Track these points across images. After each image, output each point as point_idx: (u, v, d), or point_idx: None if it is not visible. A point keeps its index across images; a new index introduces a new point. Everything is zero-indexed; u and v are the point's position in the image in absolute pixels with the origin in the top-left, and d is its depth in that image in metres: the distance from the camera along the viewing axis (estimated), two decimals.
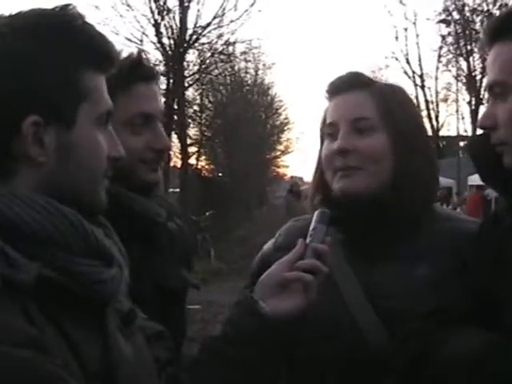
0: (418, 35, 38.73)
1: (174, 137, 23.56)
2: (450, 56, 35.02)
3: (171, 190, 23.04)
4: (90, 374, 1.21)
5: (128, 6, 19.86)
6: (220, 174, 32.79)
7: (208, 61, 23.05)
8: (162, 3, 20.05)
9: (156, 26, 20.59)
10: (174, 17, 20.83)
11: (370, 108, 1.88)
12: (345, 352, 1.77)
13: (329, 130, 1.92)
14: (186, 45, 20.97)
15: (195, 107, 29.03)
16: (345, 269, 1.84)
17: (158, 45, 20.95)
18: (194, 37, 21.20)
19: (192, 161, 29.56)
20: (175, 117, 21.77)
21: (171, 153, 22.54)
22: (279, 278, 1.57)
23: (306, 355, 1.81)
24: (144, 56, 2.03)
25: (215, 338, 1.56)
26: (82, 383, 1.17)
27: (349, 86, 1.91)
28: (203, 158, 33.25)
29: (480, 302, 1.61)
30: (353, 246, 1.85)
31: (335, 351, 1.78)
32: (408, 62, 38.61)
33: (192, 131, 29.26)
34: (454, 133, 37.84)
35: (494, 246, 1.62)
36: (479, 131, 1.71)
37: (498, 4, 31.33)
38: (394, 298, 1.78)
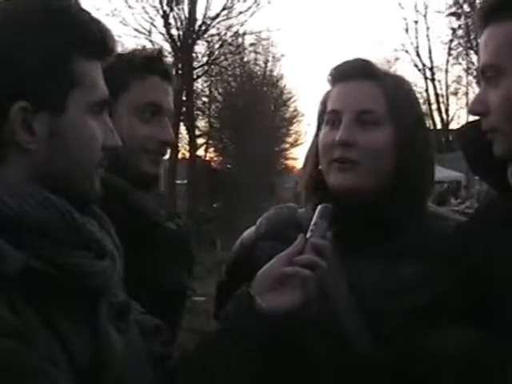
0: (428, 28, 38.58)
1: (183, 128, 23.58)
2: (461, 49, 34.82)
3: (179, 181, 23.06)
4: (79, 365, 1.19)
5: None
6: (229, 166, 32.77)
7: (217, 52, 23.08)
8: None
9: (165, 16, 20.62)
10: (182, 8, 20.87)
11: (378, 101, 1.78)
12: (330, 352, 1.71)
13: (330, 117, 1.83)
14: (194, 36, 21.01)
15: (204, 99, 29.03)
16: (332, 264, 1.77)
17: (167, 36, 21.00)
18: (203, 28, 21.25)
19: (200, 152, 29.63)
20: (184, 108, 21.74)
21: (179, 144, 22.58)
22: (277, 272, 1.53)
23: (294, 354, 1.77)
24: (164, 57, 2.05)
25: (212, 333, 1.53)
26: (68, 375, 1.16)
27: (357, 73, 1.81)
28: (212, 149, 33.29)
29: (470, 297, 1.56)
30: (342, 238, 1.77)
31: (319, 351, 1.72)
32: (418, 54, 38.46)
33: (201, 123, 29.31)
34: None
35: (485, 240, 1.58)
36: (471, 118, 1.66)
37: None
38: (379, 299, 1.71)
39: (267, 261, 1.57)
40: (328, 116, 1.83)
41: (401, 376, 1.60)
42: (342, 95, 1.82)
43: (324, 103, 1.87)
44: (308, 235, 1.58)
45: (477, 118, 1.58)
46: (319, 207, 1.64)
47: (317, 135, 1.88)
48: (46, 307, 1.17)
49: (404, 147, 1.78)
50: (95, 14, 1.31)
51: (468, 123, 1.68)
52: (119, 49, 1.98)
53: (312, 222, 1.61)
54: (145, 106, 1.94)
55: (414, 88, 1.97)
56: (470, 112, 1.57)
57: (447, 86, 39.42)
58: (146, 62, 1.95)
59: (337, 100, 1.82)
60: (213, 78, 27.32)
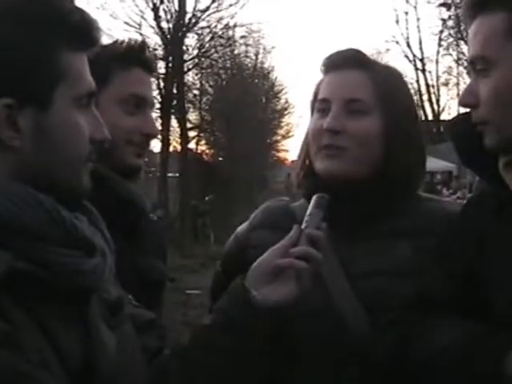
0: (418, 19, 38.69)
1: (174, 121, 23.52)
2: (451, 40, 34.76)
3: (170, 174, 23.00)
4: (71, 366, 1.18)
5: None
6: (220, 159, 32.72)
7: (207, 45, 23.00)
8: None
9: (155, 9, 20.55)
10: (172, 0, 20.76)
11: (367, 90, 1.82)
12: (324, 338, 1.73)
13: (320, 105, 1.86)
14: (184, 29, 20.94)
15: (195, 91, 28.96)
16: (326, 248, 1.78)
17: (157, 29, 20.91)
18: (193, 20, 21.18)
19: (192, 145, 29.56)
20: (174, 101, 21.68)
21: (170, 137, 22.54)
22: (272, 264, 1.51)
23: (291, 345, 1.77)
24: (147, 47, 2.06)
25: (205, 327, 1.51)
26: (60, 376, 1.14)
27: (348, 63, 1.85)
28: (203, 142, 33.21)
29: (464, 290, 1.56)
30: (333, 223, 1.76)
31: (313, 336, 1.74)
32: (409, 45, 38.37)
33: (192, 115, 29.22)
34: None
35: (477, 231, 1.57)
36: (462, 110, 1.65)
37: None
38: (374, 278, 1.74)
39: (261, 250, 1.56)
40: (318, 104, 1.86)
41: (394, 368, 1.60)
42: (332, 84, 1.85)
43: (316, 92, 1.90)
44: (303, 226, 1.57)
45: (468, 109, 1.58)
46: (314, 197, 1.62)
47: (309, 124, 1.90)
48: (36, 308, 1.15)
49: (393, 135, 1.80)
50: (85, 8, 1.29)
51: (459, 115, 1.68)
52: (110, 42, 1.99)
53: (307, 213, 1.60)
54: (129, 98, 1.94)
55: (405, 79, 1.99)
56: (461, 104, 1.57)
57: (438, 77, 39.38)
58: (129, 54, 1.95)
59: (327, 89, 1.86)
60: (203, 71, 27.23)
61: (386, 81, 1.83)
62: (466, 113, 1.59)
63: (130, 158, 1.95)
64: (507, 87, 1.46)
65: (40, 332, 1.15)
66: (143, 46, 2.01)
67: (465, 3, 1.55)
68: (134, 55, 1.95)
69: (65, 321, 1.20)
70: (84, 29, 1.27)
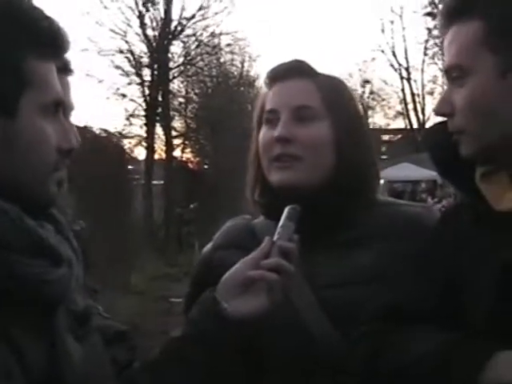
0: (404, 28, 38.85)
1: (159, 129, 23.52)
2: (436, 49, 35.03)
3: (155, 182, 22.97)
4: (35, 377, 1.16)
5: None
6: (206, 167, 32.68)
7: (193, 52, 23.05)
8: None
9: (140, 17, 20.57)
10: (158, 8, 20.79)
11: (314, 97, 1.81)
12: (291, 350, 1.70)
13: (268, 117, 1.84)
14: (170, 36, 20.98)
15: (180, 99, 28.95)
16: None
17: (143, 36, 20.92)
18: (179, 28, 21.21)
19: (177, 153, 29.53)
20: (159, 109, 21.69)
21: (155, 145, 22.54)
22: (243, 276, 1.50)
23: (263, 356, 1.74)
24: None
25: (176, 339, 1.49)
26: None
27: (292, 73, 1.84)
28: (189, 150, 33.16)
29: (440, 299, 1.54)
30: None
31: (281, 349, 1.71)
32: (394, 54, 38.72)
33: (177, 123, 29.20)
34: None
35: (455, 241, 1.55)
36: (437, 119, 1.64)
37: None
38: (336, 289, 1.72)
39: (224, 270, 1.54)
40: (266, 116, 1.85)
41: (372, 379, 1.57)
42: (279, 94, 1.84)
43: (262, 106, 1.88)
44: (275, 238, 1.55)
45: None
46: (286, 209, 1.60)
47: (257, 141, 1.87)
48: (1, 318, 1.13)
49: (344, 140, 1.80)
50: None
51: (435, 124, 1.66)
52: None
53: (279, 224, 1.58)
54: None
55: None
56: (436, 113, 1.55)
57: (423, 86, 39.71)
58: None
59: (273, 99, 1.84)
60: (189, 79, 27.24)
61: (331, 87, 1.84)
62: (441, 122, 1.58)
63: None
64: (482, 96, 1.45)
65: (4, 342, 1.13)
66: None
67: (441, 11, 1.54)
68: None
69: (30, 331, 1.18)
70: (52, 36, 1.26)
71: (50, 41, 1.25)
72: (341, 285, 1.72)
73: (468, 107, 1.47)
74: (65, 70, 1.93)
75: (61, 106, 1.29)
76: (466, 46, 1.46)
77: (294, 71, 1.84)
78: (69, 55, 1.93)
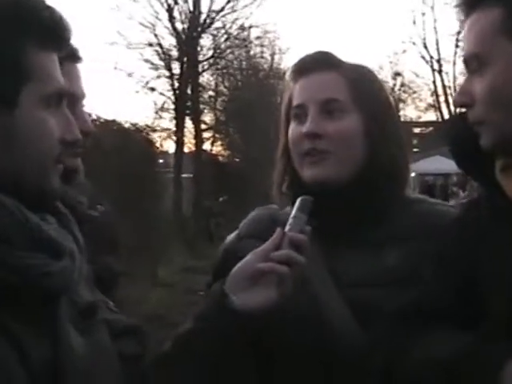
0: (435, 20, 38.46)
1: (189, 122, 23.60)
2: None
3: (184, 175, 23.05)
4: (36, 370, 1.15)
5: None
6: (237, 160, 32.73)
7: (223, 45, 23.06)
8: None
9: (169, 10, 20.60)
10: (187, 1, 20.82)
11: (341, 89, 1.77)
12: (312, 346, 1.66)
13: (296, 112, 1.80)
14: (199, 29, 21.00)
15: (210, 92, 29.01)
16: (313, 256, 1.72)
17: (172, 29, 20.97)
18: (208, 21, 21.22)
19: (207, 146, 29.62)
20: (189, 102, 21.76)
21: (185, 138, 22.63)
22: (252, 269, 1.47)
23: (275, 348, 1.71)
24: None
25: (186, 332, 1.47)
26: (23, 382, 1.12)
27: (317, 65, 1.80)
28: (218, 143, 33.24)
29: (460, 299, 1.50)
30: (321, 231, 1.70)
31: (302, 344, 1.67)
32: (425, 46, 38.38)
33: (207, 117, 29.28)
34: None
35: (474, 238, 1.51)
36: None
37: None
38: (361, 289, 1.68)
39: None
40: (294, 111, 1.81)
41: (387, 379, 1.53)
42: (305, 89, 1.80)
43: (289, 101, 1.84)
44: (286, 229, 1.52)
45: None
46: (298, 199, 1.58)
47: (286, 133, 1.84)
48: (1, 313, 1.13)
49: (374, 133, 1.76)
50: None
51: (455, 116, 1.62)
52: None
53: (291, 216, 1.55)
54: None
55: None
56: (455, 104, 1.51)
57: (455, 78, 39.25)
58: None
59: (300, 94, 1.80)
60: (219, 72, 27.27)
61: (358, 78, 1.79)
62: (462, 113, 1.53)
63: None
64: (503, 85, 1.40)
65: (5, 337, 1.12)
66: None
67: (458, 1, 1.49)
68: None
69: (31, 325, 1.18)
70: (53, 27, 1.24)
71: (50, 31, 1.23)
72: (363, 285, 1.69)
73: (488, 97, 1.42)
74: (73, 57, 1.91)
75: (64, 97, 1.28)
76: (485, 34, 1.42)
77: (319, 63, 1.80)
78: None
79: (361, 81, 1.79)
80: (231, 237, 1.95)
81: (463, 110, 1.52)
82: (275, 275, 1.45)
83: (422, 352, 1.46)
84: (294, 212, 1.55)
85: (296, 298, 1.54)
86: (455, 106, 1.52)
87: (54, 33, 1.24)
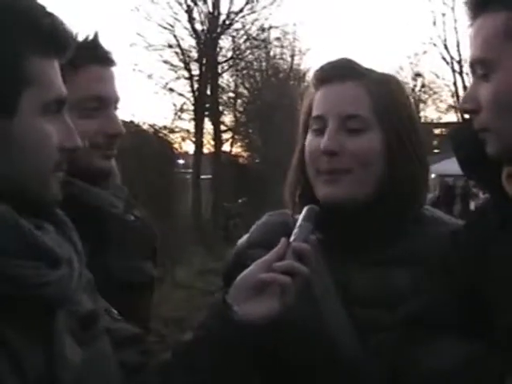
0: (456, 20, 38.19)
1: (208, 123, 23.61)
2: None
3: (203, 176, 23.06)
4: (32, 381, 1.14)
5: None
6: (257, 161, 32.70)
7: (242, 46, 23.06)
8: None
9: (189, 11, 20.64)
10: (206, 2, 20.84)
11: (364, 104, 1.70)
12: (315, 361, 1.64)
13: (315, 124, 1.73)
14: (219, 30, 21.02)
15: (230, 94, 29.01)
16: (321, 270, 1.69)
17: (191, 30, 21.01)
18: (227, 22, 21.24)
19: (227, 147, 29.61)
20: (208, 103, 21.79)
21: (204, 139, 22.65)
22: (255, 279, 1.44)
23: (277, 361, 1.68)
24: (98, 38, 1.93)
25: (187, 343, 1.46)
26: None
27: (340, 75, 1.72)
28: (238, 144, 33.24)
29: (465, 307, 1.47)
30: (331, 246, 1.69)
31: (304, 359, 1.64)
32: (446, 47, 38.07)
33: (227, 118, 29.28)
34: None
35: (480, 245, 1.47)
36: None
37: None
38: (369, 309, 1.64)
39: None
40: (313, 122, 1.75)
41: None
42: (326, 100, 1.73)
43: (308, 109, 1.77)
44: (291, 239, 1.49)
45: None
46: (305, 209, 1.55)
47: (303, 142, 1.78)
48: None
49: (395, 151, 1.69)
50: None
51: (460, 122, 1.58)
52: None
53: (296, 225, 1.52)
54: (86, 101, 1.86)
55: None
56: (460, 110, 1.48)
57: None
58: (77, 53, 1.85)
59: (320, 105, 1.73)
60: (238, 73, 27.26)
61: (382, 90, 1.71)
62: (467, 119, 1.50)
63: (96, 161, 1.90)
64: (509, 91, 1.38)
65: (1, 348, 1.12)
66: (93, 40, 1.90)
67: (465, 3, 1.46)
68: (84, 52, 1.83)
69: (27, 334, 1.17)
70: (54, 34, 1.23)
71: (51, 38, 1.23)
72: (371, 306, 1.65)
73: (494, 103, 1.39)
74: (106, 61, 1.90)
75: (64, 104, 1.27)
76: (492, 39, 1.39)
77: (342, 72, 1.73)
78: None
79: (385, 95, 1.71)
80: (242, 241, 1.92)
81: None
82: (278, 286, 1.43)
83: (425, 362, 1.44)
84: (299, 221, 1.53)
85: (300, 311, 1.52)
86: (461, 113, 1.49)
87: (55, 39, 1.24)
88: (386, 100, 1.70)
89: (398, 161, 1.69)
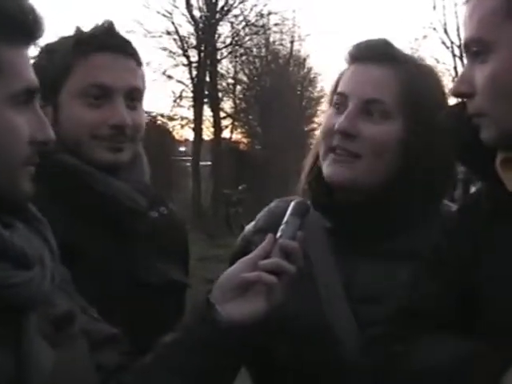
0: (456, 4, 37.99)
1: (208, 110, 23.56)
2: None
3: (203, 163, 23.02)
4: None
5: None
6: (257, 147, 32.64)
7: (241, 33, 22.98)
8: None
9: None
10: None
11: (390, 90, 1.63)
12: (317, 359, 1.59)
13: (337, 100, 1.68)
14: (217, 16, 20.93)
15: (229, 80, 28.93)
16: (327, 262, 1.64)
17: (189, 17, 20.92)
18: (226, 8, 21.15)
19: (227, 134, 29.55)
20: (206, 91, 21.74)
21: (203, 126, 22.61)
22: (239, 278, 1.38)
23: (277, 358, 1.64)
24: (113, 26, 1.81)
25: (167, 344, 1.39)
26: None
27: (375, 56, 1.66)
28: (238, 131, 33.17)
29: (458, 300, 1.41)
30: (339, 237, 1.64)
31: (306, 357, 1.60)
32: (446, 32, 37.90)
33: (226, 104, 29.19)
34: None
35: (473, 236, 1.42)
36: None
37: None
38: (372, 305, 1.59)
39: None
40: (336, 98, 1.69)
41: None
42: (353, 78, 1.67)
43: (336, 83, 1.72)
44: (278, 235, 1.42)
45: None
46: (292, 203, 1.48)
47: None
48: None
49: (414, 143, 1.62)
50: None
51: (453, 105, 1.51)
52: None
53: (283, 220, 1.45)
54: (88, 90, 1.74)
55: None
56: (454, 93, 1.40)
57: None
58: (90, 39, 1.75)
59: (347, 82, 1.68)
60: (237, 59, 27.16)
61: (413, 81, 1.64)
62: (461, 102, 1.42)
63: (99, 154, 1.75)
64: (506, 74, 1.30)
65: None
66: (109, 27, 1.80)
67: None
68: (96, 40, 1.75)
69: None
70: (21, 21, 1.17)
71: (19, 26, 1.16)
72: (374, 300, 1.60)
73: (490, 87, 1.32)
74: (121, 52, 1.79)
75: (35, 95, 1.20)
76: (489, 18, 1.31)
77: (374, 54, 1.67)
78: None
79: (415, 85, 1.64)
80: (249, 227, 1.87)
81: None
82: (263, 285, 1.36)
83: (421, 356, 1.38)
84: (286, 216, 1.45)
85: (302, 302, 1.51)
86: (454, 96, 1.42)
87: (23, 27, 1.17)
88: (415, 90, 1.64)
89: (416, 155, 1.62)
